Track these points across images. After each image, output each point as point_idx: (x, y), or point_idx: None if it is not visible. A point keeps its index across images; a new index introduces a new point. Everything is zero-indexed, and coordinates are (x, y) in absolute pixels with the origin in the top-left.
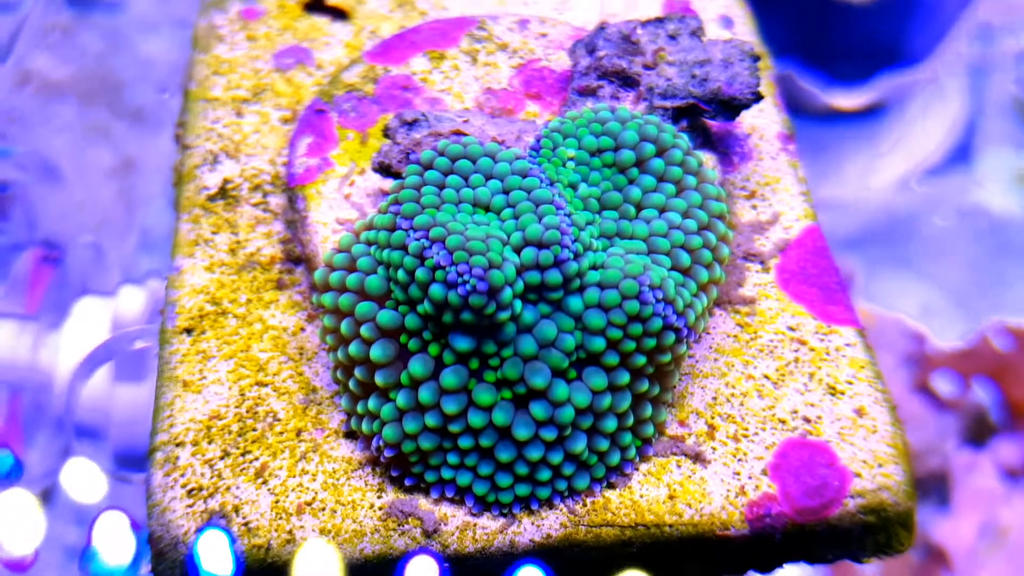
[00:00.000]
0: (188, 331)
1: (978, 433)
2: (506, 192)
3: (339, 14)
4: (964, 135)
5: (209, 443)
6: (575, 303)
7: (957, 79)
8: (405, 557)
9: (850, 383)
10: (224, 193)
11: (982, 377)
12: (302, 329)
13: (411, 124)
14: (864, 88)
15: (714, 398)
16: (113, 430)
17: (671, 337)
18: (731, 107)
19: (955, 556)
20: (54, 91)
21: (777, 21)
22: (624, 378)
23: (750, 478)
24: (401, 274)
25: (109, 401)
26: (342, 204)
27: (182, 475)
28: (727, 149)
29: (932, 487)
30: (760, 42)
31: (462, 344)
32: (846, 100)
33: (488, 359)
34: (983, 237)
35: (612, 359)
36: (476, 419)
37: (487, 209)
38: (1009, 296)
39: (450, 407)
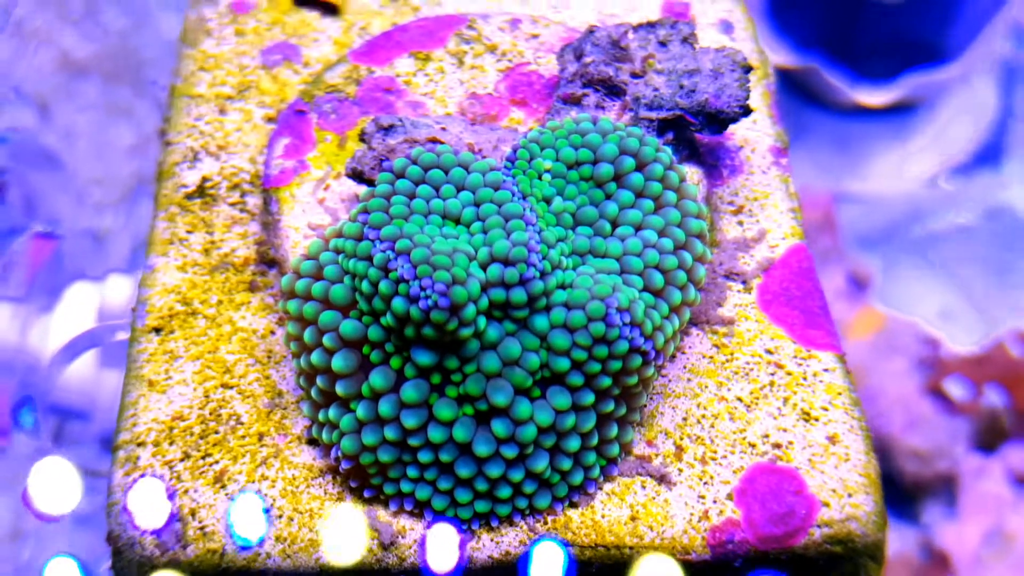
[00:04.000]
0: (157, 330)
1: (989, 438)
2: (477, 205)
3: (330, 8)
4: (994, 135)
5: (170, 444)
6: (541, 322)
7: (989, 79)
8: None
9: (825, 409)
10: (202, 191)
11: (994, 384)
12: (272, 332)
13: (387, 129)
14: (892, 85)
15: (684, 419)
16: (98, 415)
17: (637, 360)
18: (718, 120)
19: (958, 561)
20: (78, 69)
21: (805, 16)
22: (588, 398)
23: (715, 502)
24: (366, 285)
25: (96, 387)
26: (315, 208)
27: (141, 475)
28: (717, 161)
29: (939, 490)
30: (760, 49)
31: (424, 358)
32: (873, 97)
33: (450, 374)
34: (1008, 239)
35: (577, 379)
36: (436, 434)
37: (457, 221)
38: None
39: (409, 421)
